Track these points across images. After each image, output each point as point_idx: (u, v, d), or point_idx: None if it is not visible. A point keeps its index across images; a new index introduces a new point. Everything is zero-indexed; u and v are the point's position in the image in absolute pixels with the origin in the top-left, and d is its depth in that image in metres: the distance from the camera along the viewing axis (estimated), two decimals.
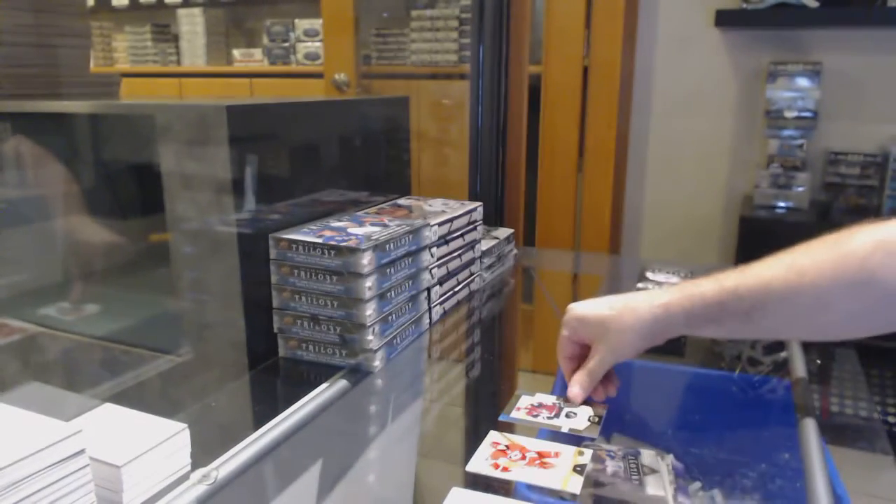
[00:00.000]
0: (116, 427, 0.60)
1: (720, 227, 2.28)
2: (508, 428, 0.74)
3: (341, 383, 0.84)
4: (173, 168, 0.86)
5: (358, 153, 1.13)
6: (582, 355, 0.77)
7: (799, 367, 0.90)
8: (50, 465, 0.48)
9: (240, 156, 0.84)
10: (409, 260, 0.93)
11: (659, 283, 1.15)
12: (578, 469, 0.66)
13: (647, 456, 0.69)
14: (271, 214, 0.91)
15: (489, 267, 1.25)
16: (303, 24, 3.07)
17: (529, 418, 0.76)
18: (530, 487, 0.63)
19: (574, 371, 0.77)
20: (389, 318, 0.90)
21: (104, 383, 0.89)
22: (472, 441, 0.72)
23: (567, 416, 0.75)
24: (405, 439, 0.80)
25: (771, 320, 0.65)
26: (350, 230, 0.90)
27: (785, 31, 2.06)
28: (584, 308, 0.76)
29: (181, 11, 3.34)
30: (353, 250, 0.82)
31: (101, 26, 3.52)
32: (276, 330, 0.90)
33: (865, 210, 1.96)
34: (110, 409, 0.63)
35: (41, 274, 1.17)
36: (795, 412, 0.77)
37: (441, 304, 1.05)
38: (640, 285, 1.14)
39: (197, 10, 3.31)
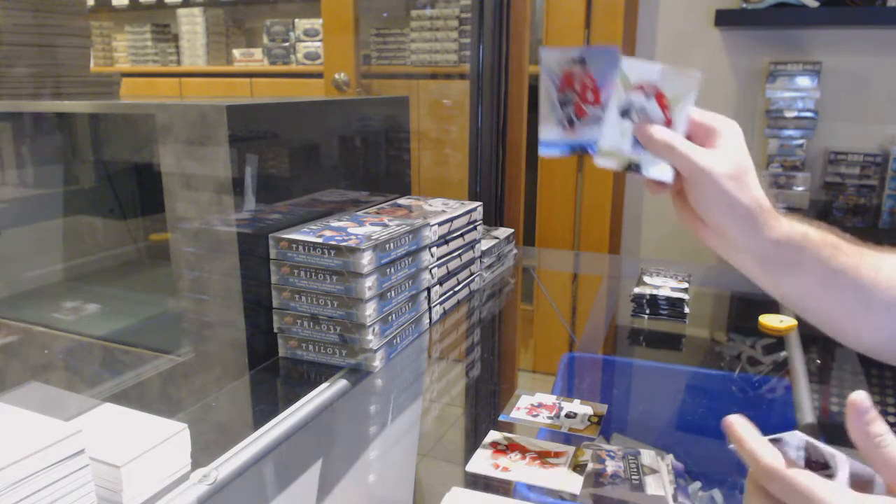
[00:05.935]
0: (116, 427, 0.60)
1: None
2: (508, 428, 0.74)
3: (341, 383, 0.84)
4: (173, 168, 0.86)
5: (358, 153, 1.13)
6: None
7: (799, 367, 0.90)
8: (50, 465, 0.48)
9: (240, 156, 0.84)
10: (409, 260, 0.93)
11: (656, 288, 1.15)
12: (578, 469, 0.66)
13: (647, 456, 0.69)
14: (271, 214, 0.91)
15: (489, 267, 1.25)
16: (303, 24, 3.07)
17: (529, 418, 0.76)
18: (530, 487, 0.63)
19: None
20: (389, 317, 0.90)
21: (104, 383, 0.89)
22: (472, 441, 0.72)
23: (567, 416, 0.75)
24: (405, 439, 0.80)
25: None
26: (350, 230, 0.90)
27: (785, 30, 2.06)
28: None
29: (181, 11, 3.34)
30: (353, 250, 0.82)
31: (101, 26, 3.52)
32: (276, 330, 0.90)
33: (865, 210, 1.96)
34: (110, 409, 0.63)
35: (41, 273, 1.17)
36: (795, 412, 0.77)
37: (441, 303, 1.05)
38: (637, 290, 1.14)
39: (197, 10, 3.31)
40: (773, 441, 0.48)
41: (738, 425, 0.50)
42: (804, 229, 0.63)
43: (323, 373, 0.86)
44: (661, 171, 0.63)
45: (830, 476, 0.45)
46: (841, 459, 0.45)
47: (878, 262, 0.63)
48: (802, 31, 2.04)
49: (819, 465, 0.46)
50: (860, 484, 0.45)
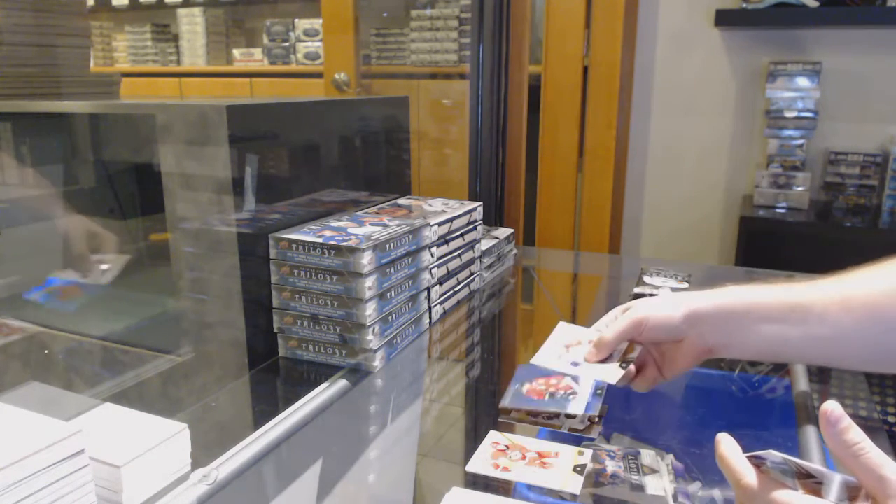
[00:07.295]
0: (116, 427, 0.60)
1: (720, 227, 2.28)
2: (509, 428, 0.74)
3: (341, 383, 0.84)
4: (173, 168, 0.86)
5: (358, 153, 1.12)
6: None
7: (799, 367, 0.90)
8: (50, 465, 0.48)
9: (240, 156, 0.84)
10: (409, 260, 0.93)
11: (656, 288, 1.15)
12: (578, 469, 0.66)
13: (647, 456, 0.69)
14: (271, 214, 0.91)
15: (489, 267, 1.25)
16: (303, 23, 3.07)
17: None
18: (530, 487, 0.63)
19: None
20: (389, 317, 0.90)
21: (104, 383, 0.89)
22: (472, 441, 0.72)
23: (567, 416, 0.75)
24: (405, 439, 0.80)
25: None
26: (350, 230, 0.90)
27: (785, 30, 2.06)
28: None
29: (181, 11, 3.34)
30: (353, 250, 0.82)
31: (101, 26, 3.52)
32: (276, 330, 0.90)
33: (865, 210, 1.96)
34: (110, 409, 0.63)
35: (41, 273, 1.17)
36: (795, 412, 0.77)
37: (441, 303, 1.05)
38: (636, 290, 1.14)
39: (197, 10, 3.31)
40: (755, 458, 0.48)
41: (724, 444, 0.50)
42: (733, 301, 0.69)
43: (323, 373, 0.86)
44: (608, 374, 0.72)
45: (821, 486, 0.45)
46: (827, 471, 0.45)
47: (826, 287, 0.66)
48: (802, 31, 2.04)
49: (810, 477, 0.46)
50: (852, 493, 0.45)
